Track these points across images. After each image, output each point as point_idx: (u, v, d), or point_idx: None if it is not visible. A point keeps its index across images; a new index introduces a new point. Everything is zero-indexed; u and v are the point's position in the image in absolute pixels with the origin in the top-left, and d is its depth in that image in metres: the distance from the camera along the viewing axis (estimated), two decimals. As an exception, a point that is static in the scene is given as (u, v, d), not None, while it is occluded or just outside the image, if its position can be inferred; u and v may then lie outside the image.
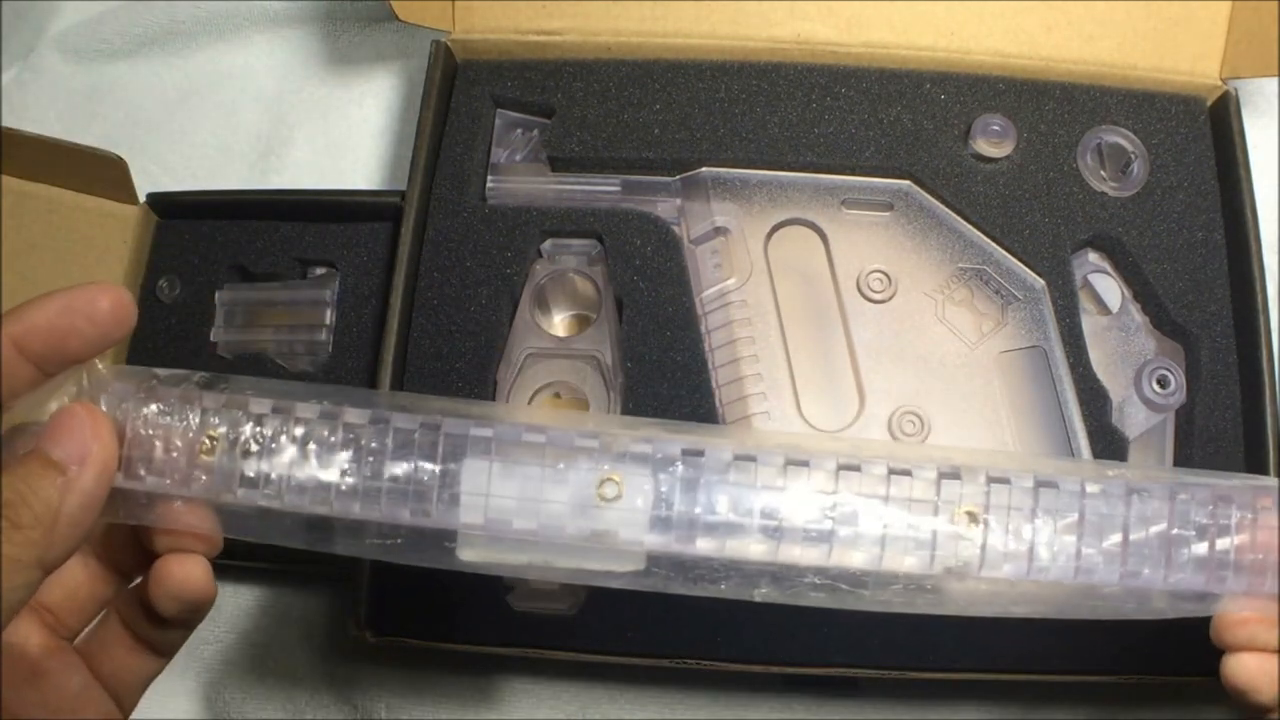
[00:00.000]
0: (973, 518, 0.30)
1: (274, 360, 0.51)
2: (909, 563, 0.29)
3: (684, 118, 0.50)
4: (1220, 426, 0.46)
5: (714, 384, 0.46)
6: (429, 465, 0.29)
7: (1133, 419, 0.46)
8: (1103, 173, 0.49)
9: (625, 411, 0.46)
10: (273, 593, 0.54)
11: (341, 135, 0.61)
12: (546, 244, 0.49)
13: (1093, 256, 0.49)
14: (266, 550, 0.48)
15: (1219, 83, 0.49)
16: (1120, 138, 0.49)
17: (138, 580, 0.31)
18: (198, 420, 0.29)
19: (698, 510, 0.29)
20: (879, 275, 0.48)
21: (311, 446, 0.29)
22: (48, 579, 0.27)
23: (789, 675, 0.49)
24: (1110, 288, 0.48)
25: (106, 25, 0.64)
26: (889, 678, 0.47)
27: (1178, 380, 0.46)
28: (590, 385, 0.47)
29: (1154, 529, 0.30)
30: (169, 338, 0.52)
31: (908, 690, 0.50)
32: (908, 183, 0.49)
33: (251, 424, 0.29)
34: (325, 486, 0.28)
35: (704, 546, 0.29)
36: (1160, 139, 0.49)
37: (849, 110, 0.50)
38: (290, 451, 0.29)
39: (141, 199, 0.53)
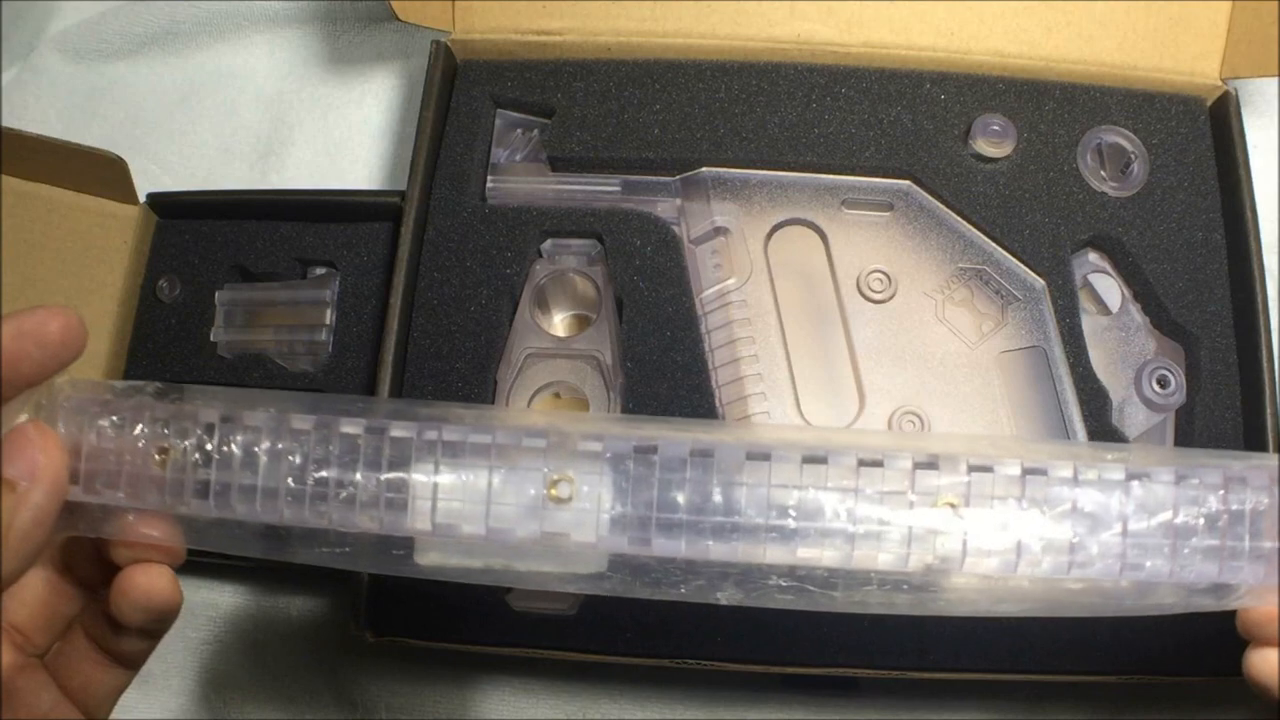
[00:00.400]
0: (953, 509, 0.27)
1: (274, 360, 0.51)
2: (883, 560, 0.28)
3: (684, 118, 0.50)
4: (1220, 426, 0.46)
5: (714, 384, 0.46)
6: (375, 472, 0.28)
7: (1133, 419, 0.46)
8: (1103, 173, 0.49)
9: (625, 411, 0.45)
10: (273, 593, 0.54)
11: (341, 135, 0.61)
12: (546, 244, 0.49)
13: (1093, 256, 0.49)
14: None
15: (1219, 83, 0.49)
16: (1120, 138, 0.49)
17: (102, 594, 0.31)
18: (150, 432, 0.28)
19: (653, 510, 0.28)
20: (879, 275, 0.48)
21: (260, 455, 0.28)
22: (12, 598, 0.28)
23: (789, 675, 0.49)
24: (1110, 288, 0.48)
25: (106, 25, 0.64)
26: (889, 678, 0.47)
27: (1178, 380, 0.46)
28: (590, 385, 0.47)
29: (1158, 518, 0.27)
30: (169, 338, 0.52)
31: (908, 690, 0.51)
32: (908, 183, 0.49)
33: (201, 433, 0.28)
34: (273, 494, 0.28)
35: (661, 547, 0.28)
36: (1160, 139, 0.49)
37: (849, 110, 0.50)
38: (238, 460, 0.28)
39: (141, 199, 0.53)
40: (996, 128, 0.48)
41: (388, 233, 0.51)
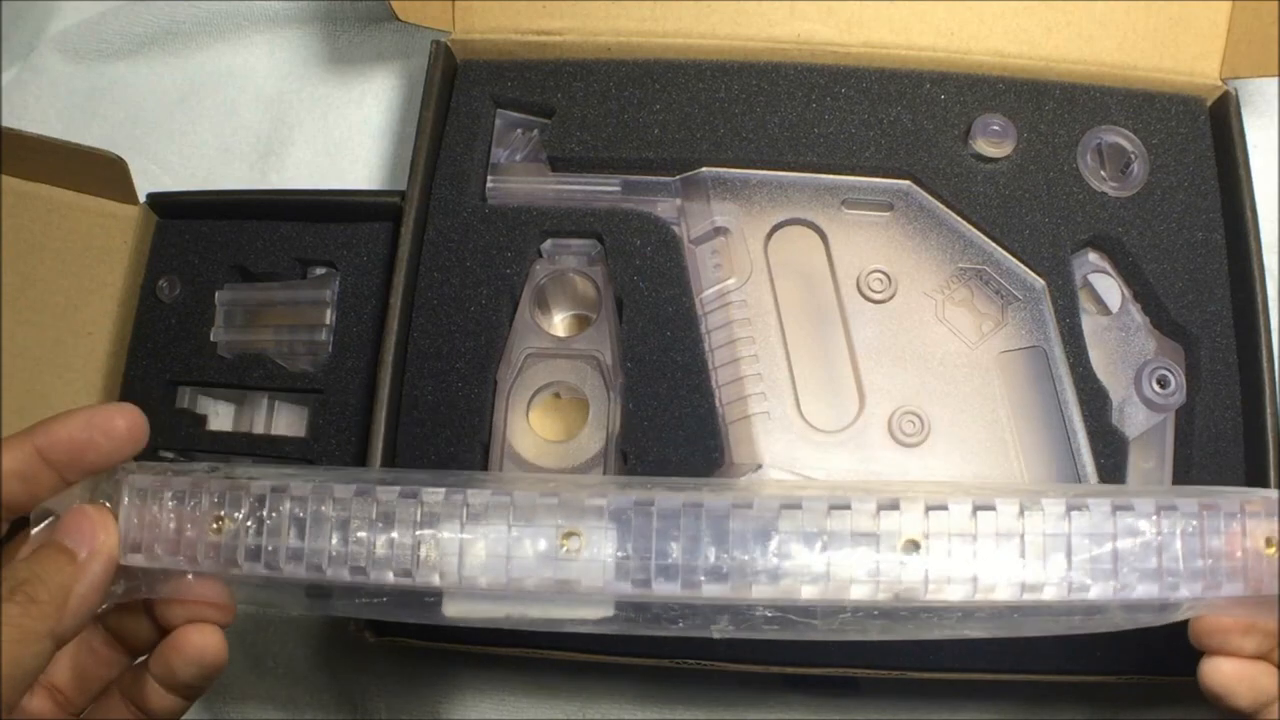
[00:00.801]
0: (915, 546, 0.31)
1: (274, 360, 0.51)
2: (857, 592, 0.31)
3: (684, 118, 0.50)
4: (1220, 426, 0.46)
5: (714, 384, 0.46)
6: (408, 533, 0.31)
7: (1133, 419, 0.46)
8: (1103, 173, 0.49)
9: (625, 411, 0.46)
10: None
11: (341, 135, 0.61)
12: (546, 244, 0.49)
13: (1093, 256, 0.49)
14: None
15: (1219, 83, 0.49)
16: (1120, 138, 0.49)
17: (141, 659, 0.34)
18: (207, 504, 0.32)
19: (653, 557, 0.31)
20: (879, 275, 0.48)
21: (306, 521, 0.32)
22: (56, 661, 0.31)
23: (789, 675, 0.49)
24: (1110, 288, 0.48)
25: (106, 25, 0.64)
26: (889, 678, 0.47)
27: (1178, 380, 0.46)
28: (590, 385, 0.47)
29: (1100, 547, 0.30)
30: (169, 338, 0.52)
31: (908, 690, 0.51)
32: (908, 183, 0.49)
33: (252, 503, 0.32)
34: (319, 555, 0.31)
35: (661, 590, 0.31)
36: (1160, 139, 0.49)
37: (849, 110, 0.50)
38: (287, 527, 0.31)
39: (141, 199, 0.53)
40: (996, 128, 0.48)
41: (388, 233, 0.51)
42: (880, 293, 0.48)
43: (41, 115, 0.63)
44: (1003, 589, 0.30)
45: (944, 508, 0.31)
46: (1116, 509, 0.31)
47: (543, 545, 0.31)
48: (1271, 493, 0.32)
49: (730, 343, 0.47)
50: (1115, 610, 0.31)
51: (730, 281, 0.48)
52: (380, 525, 0.31)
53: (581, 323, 0.51)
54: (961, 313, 0.47)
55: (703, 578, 0.31)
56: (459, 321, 0.47)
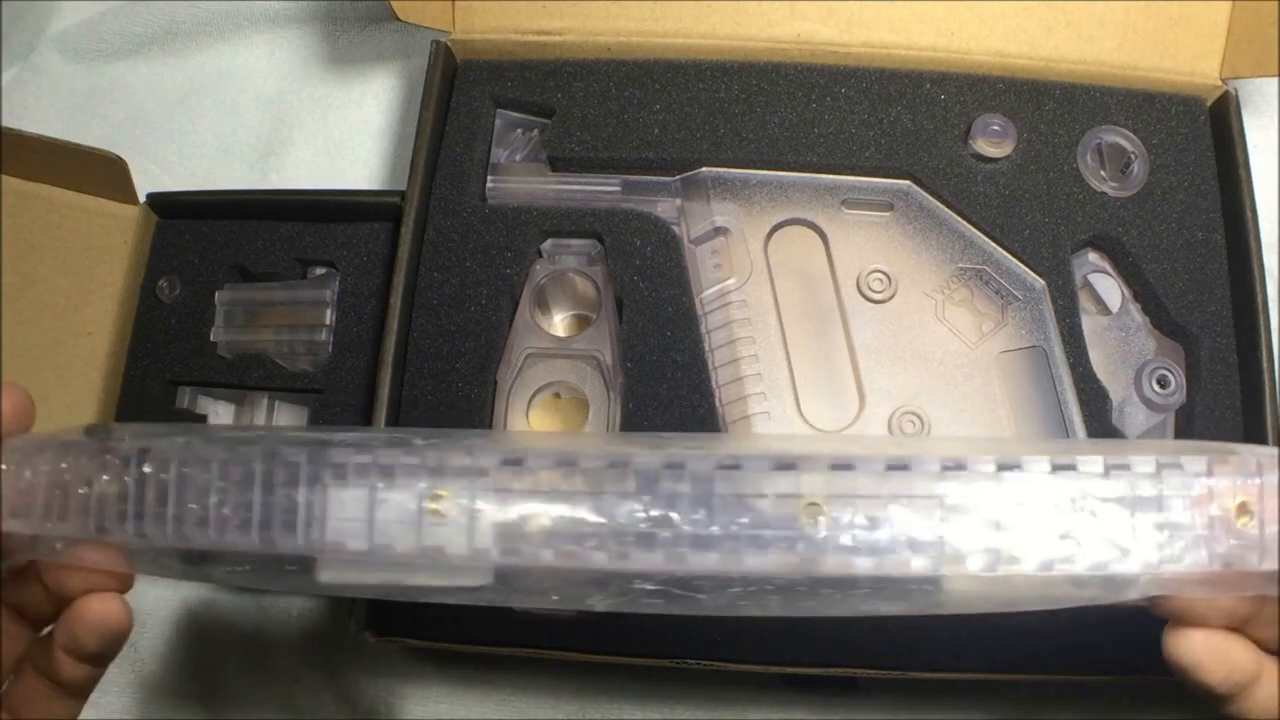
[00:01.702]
0: (814, 509, 0.27)
1: (274, 360, 0.51)
2: (749, 563, 0.27)
3: (684, 118, 0.50)
4: (1220, 426, 0.46)
5: (714, 384, 0.46)
6: (267, 495, 0.29)
7: (1133, 419, 0.46)
8: (1103, 173, 0.49)
9: (625, 411, 0.46)
10: (273, 593, 0.54)
11: (341, 135, 0.61)
12: (546, 244, 0.49)
13: (1093, 256, 0.49)
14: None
15: (1219, 83, 0.49)
16: (1120, 138, 0.49)
17: (47, 630, 0.33)
18: (77, 467, 0.31)
19: (519, 520, 0.28)
20: (879, 275, 0.48)
21: (170, 482, 0.30)
22: None
23: (789, 675, 0.49)
24: (1110, 288, 0.48)
25: (106, 25, 0.64)
26: (889, 678, 0.47)
27: (1178, 380, 0.46)
28: (590, 385, 0.47)
29: (1039, 512, 0.26)
30: (169, 338, 0.52)
31: (908, 690, 0.51)
32: (908, 183, 0.49)
33: (119, 464, 0.30)
34: (183, 520, 0.30)
35: (531, 555, 0.28)
36: (1160, 139, 0.49)
37: (849, 110, 0.50)
38: (151, 488, 0.30)
39: (141, 199, 0.53)
40: (996, 128, 0.48)
41: (388, 233, 0.51)
42: (880, 293, 0.48)
43: (41, 115, 0.63)
44: (917, 561, 0.26)
45: (850, 467, 0.27)
46: (1057, 468, 0.26)
47: (405, 509, 0.28)
48: (1264, 450, 0.27)
49: (730, 343, 0.47)
50: (1061, 586, 0.27)
51: (730, 281, 0.48)
52: (243, 487, 0.29)
53: (581, 323, 0.51)
54: (961, 313, 0.47)
55: (575, 546, 0.28)
56: (459, 321, 0.47)
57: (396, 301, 0.47)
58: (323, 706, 0.53)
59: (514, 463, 0.29)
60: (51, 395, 0.50)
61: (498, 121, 0.51)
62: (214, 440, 0.30)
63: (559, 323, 0.51)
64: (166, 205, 0.53)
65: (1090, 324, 0.47)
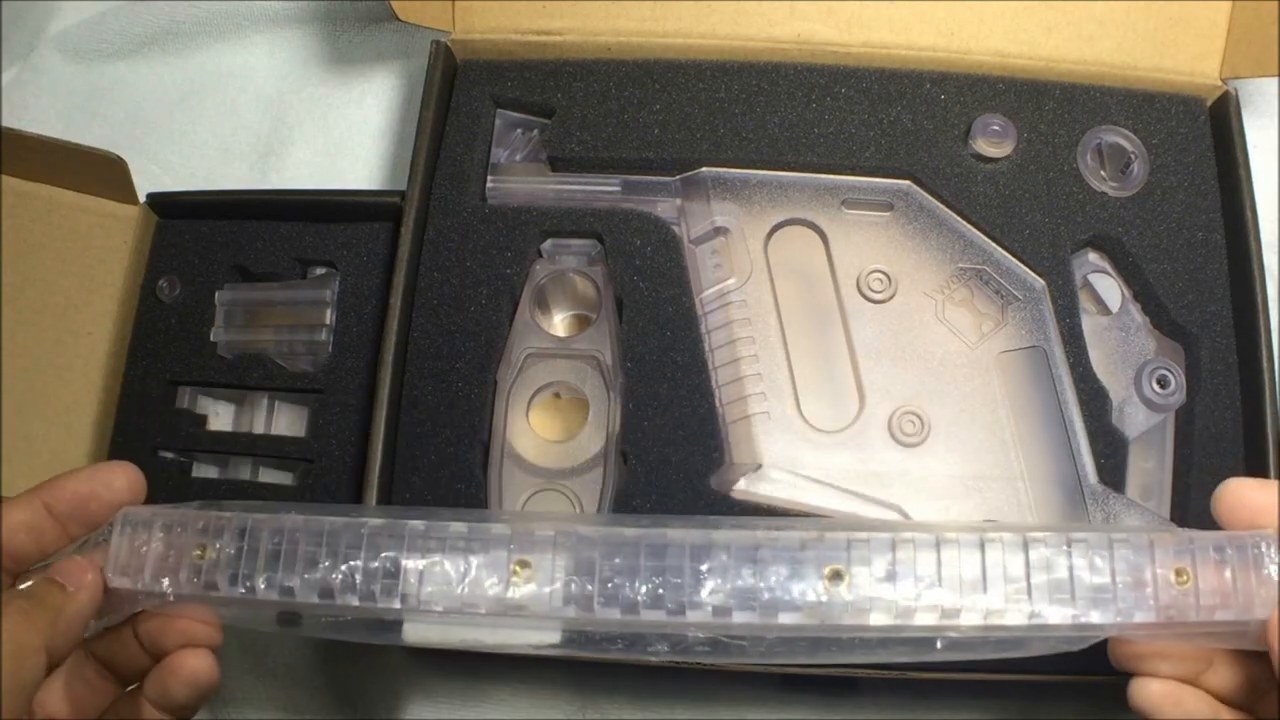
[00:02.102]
0: (836, 575, 0.32)
1: (274, 360, 0.51)
2: (784, 619, 0.32)
3: (684, 118, 0.50)
4: (1220, 426, 0.46)
5: (714, 384, 0.46)
6: (371, 563, 0.33)
7: (1133, 419, 0.46)
8: (1103, 173, 0.49)
9: (625, 411, 0.46)
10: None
11: (341, 135, 0.61)
12: (546, 244, 0.49)
13: (1093, 256, 0.49)
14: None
15: (1219, 83, 0.49)
16: (1120, 138, 0.49)
17: (132, 687, 0.36)
18: (192, 533, 0.34)
19: (596, 586, 0.33)
20: (879, 275, 0.48)
21: (281, 549, 0.34)
22: (51, 691, 0.34)
23: (789, 675, 0.49)
24: (1110, 288, 0.48)
25: (106, 25, 0.64)
26: (889, 677, 0.47)
27: (1178, 380, 0.46)
28: (590, 385, 0.47)
29: (1014, 584, 0.32)
30: (169, 338, 0.52)
31: (908, 690, 0.51)
32: (908, 183, 0.49)
33: (233, 533, 0.34)
34: (291, 580, 0.34)
35: (603, 616, 0.33)
36: (1160, 139, 0.49)
37: (849, 110, 0.50)
38: (264, 554, 0.34)
39: (141, 199, 0.53)
40: (996, 128, 0.48)
41: (388, 233, 0.51)
42: (880, 293, 0.48)
43: (41, 115, 0.63)
44: (922, 615, 0.32)
45: (865, 541, 0.33)
46: (1031, 542, 0.32)
47: (494, 574, 0.33)
48: (1182, 532, 0.33)
49: (730, 343, 0.47)
50: (1036, 642, 0.33)
51: (730, 281, 0.48)
52: (348, 554, 0.33)
53: (581, 323, 0.51)
54: (961, 313, 0.47)
55: (641, 606, 0.32)
56: (459, 321, 0.47)
57: (396, 301, 0.47)
58: (323, 708, 0.53)
59: (586, 538, 0.33)
60: (51, 395, 0.50)
61: (498, 121, 0.51)
62: (316, 514, 0.34)
63: (559, 323, 0.51)
64: (166, 205, 0.53)
65: (1090, 324, 0.47)
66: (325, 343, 0.50)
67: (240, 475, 0.51)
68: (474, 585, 0.33)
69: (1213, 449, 0.45)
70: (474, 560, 0.33)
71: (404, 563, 0.33)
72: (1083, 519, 0.44)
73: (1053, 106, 0.49)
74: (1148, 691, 0.34)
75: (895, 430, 0.46)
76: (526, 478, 0.46)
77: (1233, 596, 0.31)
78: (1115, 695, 0.51)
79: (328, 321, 0.51)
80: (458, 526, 0.34)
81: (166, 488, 0.49)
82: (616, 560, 0.33)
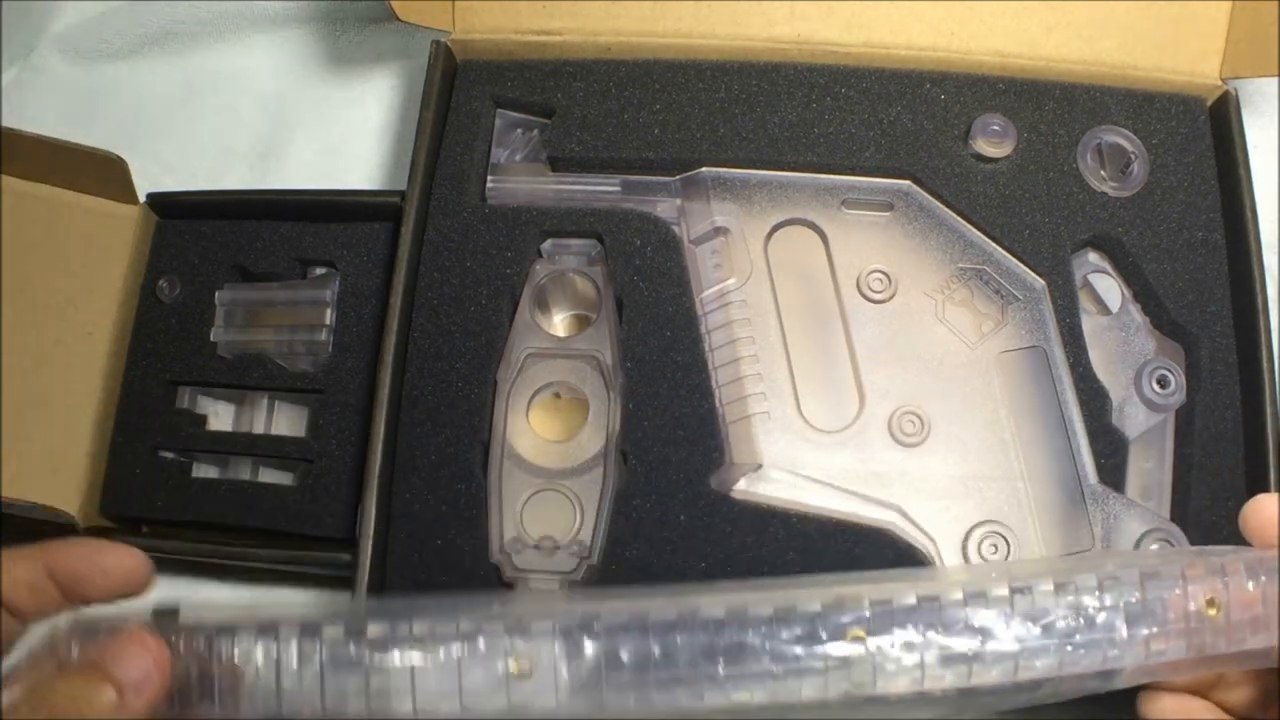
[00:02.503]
0: (860, 640, 0.31)
1: (274, 360, 0.51)
2: (806, 691, 0.31)
3: (684, 118, 0.50)
4: (1220, 426, 0.46)
5: (714, 384, 0.46)
6: (363, 663, 0.31)
7: (1133, 419, 0.46)
8: (1103, 173, 0.49)
9: (625, 411, 0.46)
10: (273, 593, 0.54)
11: (341, 135, 0.61)
12: (546, 244, 0.49)
13: (1093, 256, 0.49)
14: (265, 550, 0.48)
15: (1219, 83, 0.49)
16: (1120, 138, 0.49)
17: None
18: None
19: (603, 671, 0.31)
20: (879, 275, 0.48)
21: (293, 659, 0.31)
22: None
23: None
24: (1110, 288, 0.48)
25: (106, 25, 0.64)
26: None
27: (1178, 380, 0.46)
28: (590, 385, 0.47)
29: (1040, 623, 0.31)
30: (169, 338, 0.52)
31: (908, 690, 0.50)
32: (908, 183, 0.49)
33: (202, 648, 0.30)
34: (288, 690, 0.30)
35: (613, 704, 0.31)
36: (1160, 139, 0.49)
37: (849, 110, 0.50)
38: (252, 668, 0.30)
39: (141, 199, 0.53)
40: (996, 128, 0.48)
41: (388, 233, 0.51)
42: (880, 293, 0.48)
43: (41, 115, 0.63)
44: (950, 676, 0.31)
45: (887, 601, 0.31)
46: (1059, 588, 0.31)
47: (491, 671, 0.31)
48: (1220, 550, 0.32)
49: (730, 343, 0.47)
50: (1060, 685, 0.32)
51: (730, 281, 0.48)
52: (339, 663, 0.31)
53: (581, 323, 0.51)
54: (961, 313, 0.47)
55: (654, 690, 0.31)
56: (459, 321, 0.47)
57: (396, 301, 0.47)
58: (323, 707, 0.53)
59: (588, 620, 0.31)
60: (51, 395, 0.50)
61: (498, 121, 0.51)
62: (290, 621, 0.31)
63: (559, 323, 0.51)
64: (166, 205, 0.53)
65: (1090, 324, 0.47)
66: (325, 343, 0.50)
67: (240, 475, 0.51)
68: (471, 684, 0.31)
69: (1213, 449, 0.45)
70: (466, 658, 0.31)
71: (393, 666, 0.31)
72: (1083, 519, 0.44)
73: (1053, 106, 0.49)
74: (1159, 705, 0.34)
75: (895, 430, 0.46)
76: (526, 478, 0.46)
77: (1263, 621, 0.31)
78: (1116, 696, 0.51)
79: (328, 321, 0.51)
80: (446, 624, 0.31)
81: (166, 488, 0.49)
82: (624, 645, 0.31)
